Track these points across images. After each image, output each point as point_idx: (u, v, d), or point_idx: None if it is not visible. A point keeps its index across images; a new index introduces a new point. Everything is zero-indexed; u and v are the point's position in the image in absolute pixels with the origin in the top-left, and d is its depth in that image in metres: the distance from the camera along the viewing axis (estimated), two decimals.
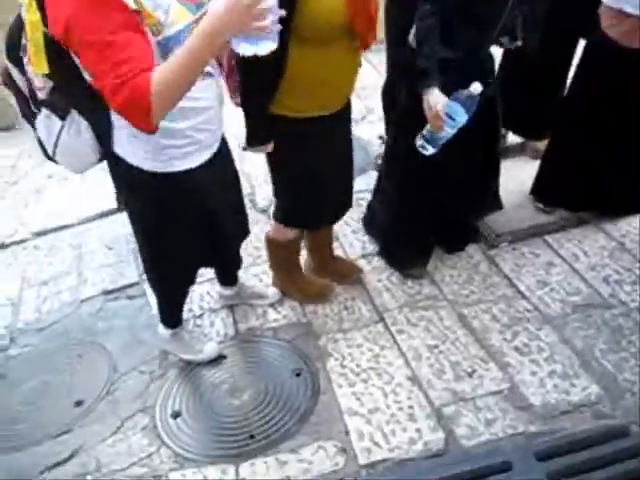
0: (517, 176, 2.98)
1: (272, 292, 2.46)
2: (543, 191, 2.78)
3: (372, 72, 4.13)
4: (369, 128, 3.76)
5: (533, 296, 2.36)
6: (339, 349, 2.21)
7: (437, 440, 1.85)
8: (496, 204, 2.65)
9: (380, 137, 3.36)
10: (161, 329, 2.20)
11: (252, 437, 1.95)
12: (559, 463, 1.78)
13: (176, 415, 2.05)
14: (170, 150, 1.56)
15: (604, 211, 2.71)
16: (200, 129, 1.58)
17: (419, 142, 1.86)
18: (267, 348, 2.29)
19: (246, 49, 1.16)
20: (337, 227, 2.84)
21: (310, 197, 2.07)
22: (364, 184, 3.08)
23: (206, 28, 1.15)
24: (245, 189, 3.18)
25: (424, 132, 1.85)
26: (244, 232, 2.14)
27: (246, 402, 2.08)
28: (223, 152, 1.78)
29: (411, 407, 1.96)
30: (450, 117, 1.73)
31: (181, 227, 1.76)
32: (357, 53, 1.84)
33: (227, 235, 1.95)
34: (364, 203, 2.95)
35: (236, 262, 2.27)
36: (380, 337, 2.24)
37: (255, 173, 3.37)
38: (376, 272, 2.56)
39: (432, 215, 2.45)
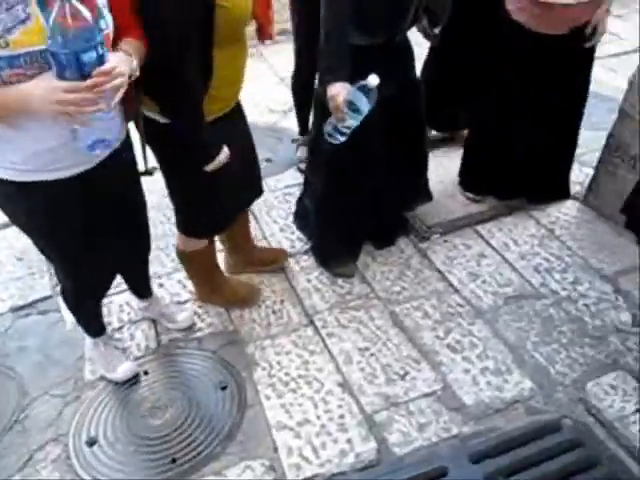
0: (447, 166, 2.93)
1: (183, 317, 2.24)
2: (468, 181, 2.75)
3: None
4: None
5: (465, 289, 2.31)
6: (267, 357, 2.10)
7: (369, 450, 1.77)
8: (426, 195, 2.58)
9: (293, 140, 3.21)
10: (86, 337, 2.11)
11: (174, 461, 1.81)
12: (494, 464, 1.74)
13: (92, 442, 1.89)
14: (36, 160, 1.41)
15: (530, 198, 2.70)
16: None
17: (326, 130, 1.78)
18: (191, 361, 2.15)
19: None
20: (264, 226, 2.73)
21: (212, 203, 1.90)
22: (292, 178, 2.97)
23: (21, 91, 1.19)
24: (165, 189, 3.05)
25: (328, 123, 1.78)
26: (144, 246, 1.99)
27: (168, 422, 1.94)
28: (118, 158, 1.59)
29: (342, 416, 1.87)
30: (353, 108, 1.66)
31: (65, 234, 1.61)
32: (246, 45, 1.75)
33: (123, 245, 1.81)
34: (292, 199, 2.84)
35: (141, 275, 2.13)
36: (310, 342, 2.14)
37: None
38: (305, 272, 2.45)
39: (361, 210, 2.36)
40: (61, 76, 1.16)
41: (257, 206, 2.84)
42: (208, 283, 2.29)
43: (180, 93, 1.55)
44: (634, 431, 1.77)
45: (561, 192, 2.74)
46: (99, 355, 2.10)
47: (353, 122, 1.72)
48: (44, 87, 1.18)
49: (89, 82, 1.16)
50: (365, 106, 1.66)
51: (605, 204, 2.62)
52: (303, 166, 2.87)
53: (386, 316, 2.21)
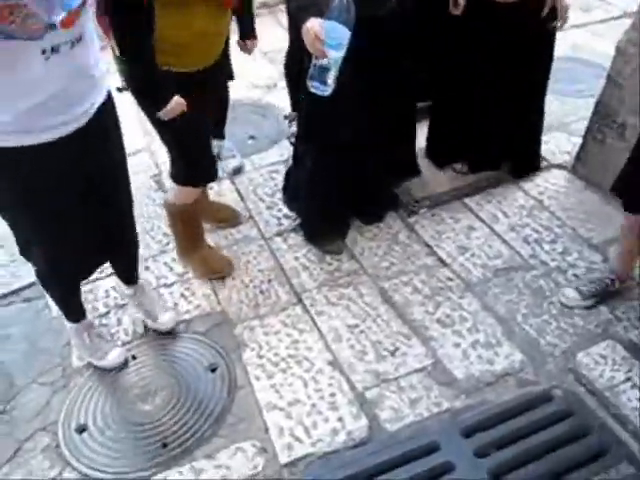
0: None
1: (167, 318, 2.15)
2: (432, 149, 2.72)
3: (284, 36, 3.91)
4: (282, 95, 3.55)
5: (454, 263, 2.29)
6: (256, 338, 2.08)
7: (360, 428, 1.76)
8: (414, 170, 2.55)
9: (285, 117, 3.14)
10: (66, 322, 2.05)
11: (165, 446, 1.80)
12: (486, 437, 1.74)
13: (81, 430, 1.87)
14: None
15: (510, 170, 2.69)
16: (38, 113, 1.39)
17: (310, 83, 1.67)
18: (180, 344, 2.12)
19: None
20: (251, 204, 2.69)
21: (195, 148, 2.00)
22: (277, 155, 2.92)
23: None
24: (151, 170, 3.00)
25: (311, 69, 1.66)
26: (127, 220, 1.95)
27: (158, 406, 1.92)
28: (94, 125, 1.56)
29: (332, 394, 1.86)
30: (332, 42, 1.56)
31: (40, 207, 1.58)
32: (223, 13, 1.79)
33: (101, 219, 1.79)
34: (277, 176, 2.80)
35: (128, 257, 2.07)
36: (299, 320, 2.12)
37: (162, 151, 3.13)
38: (293, 250, 2.42)
39: (348, 185, 2.32)
40: None
41: (243, 185, 2.80)
42: (190, 240, 2.31)
43: (126, 34, 1.61)
44: (624, 399, 1.77)
45: (531, 164, 2.71)
46: (82, 343, 2.06)
47: (335, 55, 1.59)
48: None
49: None
50: (343, 33, 1.54)
51: (594, 173, 2.60)
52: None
53: (375, 292, 2.19)
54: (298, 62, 2.64)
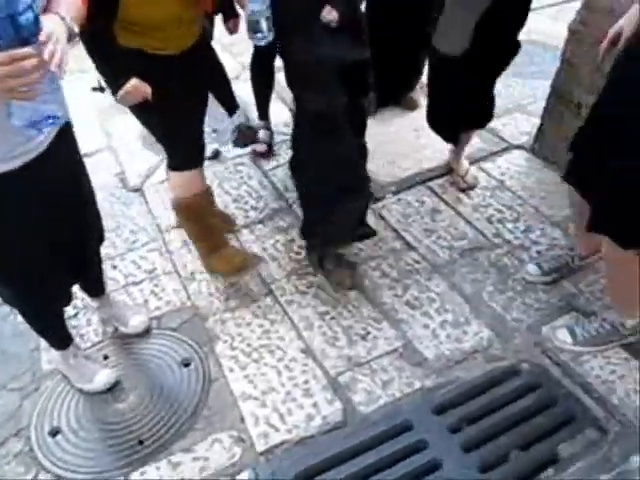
0: (398, 127, 2.92)
1: (138, 321, 2.12)
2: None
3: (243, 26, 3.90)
4: (245, 87, 3.53)
5: (421, 246, 2.33)
6: (228, 330, 2.08)
7: (335, 412, 1.79)
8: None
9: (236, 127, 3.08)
10: (53, 350, 1.96)
11: (141, 443, 1.79)
12: (457, 413, 1.78)
13: (55, 432, 1.86)
14: None
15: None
16: None
17: (249, 36, 1.79)
18: (152, 341, 2.11)
19: None
20: (217, 198, 2.67)
21: (190, 133, 2.00)
22: (241, 149, 2.91)
23: None
24: (114, 168, 2.97)
25: (246, 22, 1.77)
26: (94, 235, 1.87)
27: (133, 405, 1.91)
28: (54, 151, 1.48)
29: (306, 381, 1.88)
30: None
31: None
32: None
33: (69, 241, 1.70)
34: (243, 168, 2.82)
35: (94, 272, 1.99)
36: (270, 311, 2.13)
37: (124, 149, 3.10)
38: (260, 241, 2.42)
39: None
40: None
41: (208, 179, 2.78)
42: (205, 240, 2.24)
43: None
44: (587, 368, 1.83)
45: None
46: (69, 368, 1.97)
47: (253, 6, 1.70)
48: None
49: (33, 50, 1.02)
50: None
51: (552, 152, 2.65)
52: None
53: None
54: (266, 70, 2.65)
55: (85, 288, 2.06)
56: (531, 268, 2.14)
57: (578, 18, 2.42)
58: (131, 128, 3.27)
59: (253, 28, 1.76)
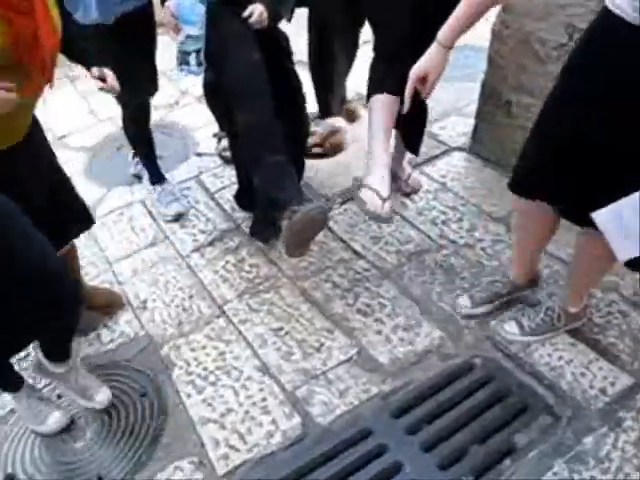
0: None
1: (104, 396, 1.94)
2: None
3: None
4: (184, 113, 3.55)
5: (369, 254, 2.36)
6: (182, 356, 2.07)
7: (294, 426, 1.79)
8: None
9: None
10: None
11: (101, 479, 1.76)
12: (415, 415, 1.80)
13: (10, 479, 1.81)
14: None
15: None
16: None
17: (178, 69, 1.79)
18: (106, 373, 2.07)
19: None
20: (164, 225, 2.67)
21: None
22: (185, 173, 2.92)
23: None
24: None
25: (176, 54, 1.77)
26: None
27: (90, 441, 1.88)
28: None
29: (264, 399, 1.88)
30: (186, 20, 1.69)
31: None
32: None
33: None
34: (189, 193, 2.80)
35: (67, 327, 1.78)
36: (223, 332, 2.12)
37: None
38: (211, 264, 2.42)
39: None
40: None
41: (154, 206, 2.77)
42: None
43: None
44: (536, 357, 1.88)
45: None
46: (23, 409, 1.90)
47: (192, 31, 1.70)
48: None
49: None
50: (194, 7, 1.65)
51: (488, 151, 2.74)
52: (227, 154, 2.85)
53: (296, 293, 2.23)
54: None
55: (46, 347, 1.86)
56: (463, 300, 2.07)
57: (499, 20, 2.52)
58: (73, 163, 3.25)
59: (186, 55, 1.73)
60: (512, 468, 1.63)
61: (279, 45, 2.23)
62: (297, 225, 1.93)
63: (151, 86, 2.53)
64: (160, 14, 2.00)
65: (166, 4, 1.75)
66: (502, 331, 1.97)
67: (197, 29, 1.70)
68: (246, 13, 1.93)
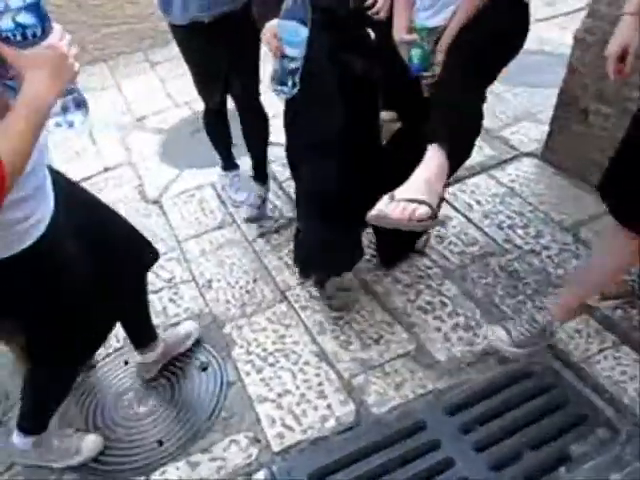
0: None
1: (193, 327, 2.15)
2: None
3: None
4: None
5: (433, 252, 2.37)
6: (244, 335, 2.14)
7: (348, 413, 1.83)
8: None
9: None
10: (17, 439, 1.71)
11: (161, 444, 1.85)
12: (469, 414, 1.81)
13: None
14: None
15: None
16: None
17: (273, 87, 1.72)
18: None
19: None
20: (234, 211, 2.75)
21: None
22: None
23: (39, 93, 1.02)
24: (133, 182, 3.06)
25: (272, 72, 1.72)
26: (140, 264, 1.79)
27: (153, 408, 1.98)
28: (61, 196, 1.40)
29: (320, 384, 1.92)
30: (288, 39, 1.61)
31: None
32: None
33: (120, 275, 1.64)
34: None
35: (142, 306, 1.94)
36: (284, 316, 2.19)
37: (142, 164, 3.20)
38: (276, 250, 2.49)
39: None
40: None
41: (224, 191, 2.85)
42: None
43: None
44: (598, 369, 1.85)
45: None
46: (47, 452, 1.76)
47: (294, 53, 1.63)
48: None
49: None
50: (300, 29, 1.58)
51: (561, 159, 2.69)
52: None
53: (357, 285, 2.26)
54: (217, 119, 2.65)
55: (136, 338, 1.99)
56: (499, 331, 1.92)
57: (583, 27, 2.47)
58: (149, 144, 3.39)
59: (284, 76, 1.67)
60: (566, 477, 1.61)
61: (373, 95, 2.01)
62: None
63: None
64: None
65: (266, 25, 1.69)
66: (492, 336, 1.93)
67: (298, 52, 1.64)
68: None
